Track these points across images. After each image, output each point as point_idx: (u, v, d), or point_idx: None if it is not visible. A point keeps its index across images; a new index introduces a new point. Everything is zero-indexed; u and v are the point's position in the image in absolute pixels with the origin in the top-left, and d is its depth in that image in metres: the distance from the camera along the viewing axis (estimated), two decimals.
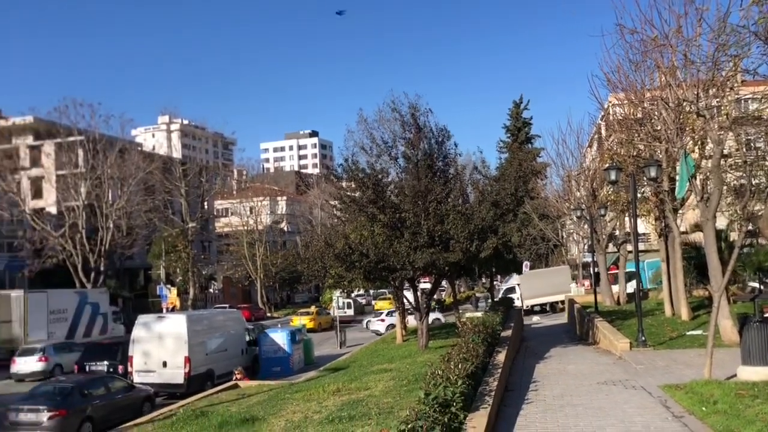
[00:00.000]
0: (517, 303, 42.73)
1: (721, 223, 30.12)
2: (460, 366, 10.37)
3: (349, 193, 24.41)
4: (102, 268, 47.83)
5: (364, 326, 45.34)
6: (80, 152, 49.96)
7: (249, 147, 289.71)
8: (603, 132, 35.85)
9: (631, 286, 42.06)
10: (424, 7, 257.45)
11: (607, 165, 23.21)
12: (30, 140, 63.38)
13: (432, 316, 34.73)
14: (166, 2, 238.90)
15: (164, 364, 22.79)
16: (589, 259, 44.83)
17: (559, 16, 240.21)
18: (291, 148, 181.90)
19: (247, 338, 27.88)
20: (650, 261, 44.36)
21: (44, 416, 16.56)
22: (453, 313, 38.83)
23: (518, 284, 46.83)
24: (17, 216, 48.25)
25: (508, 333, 20.01)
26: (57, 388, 17.89)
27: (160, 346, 23.03)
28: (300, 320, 45.23)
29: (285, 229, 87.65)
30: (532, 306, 45.64)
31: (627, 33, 19.54)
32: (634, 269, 49.40)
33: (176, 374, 22.59)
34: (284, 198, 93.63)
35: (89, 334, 36.61)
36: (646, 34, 19.21)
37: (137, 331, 23.73)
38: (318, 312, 50.43)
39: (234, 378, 22.52)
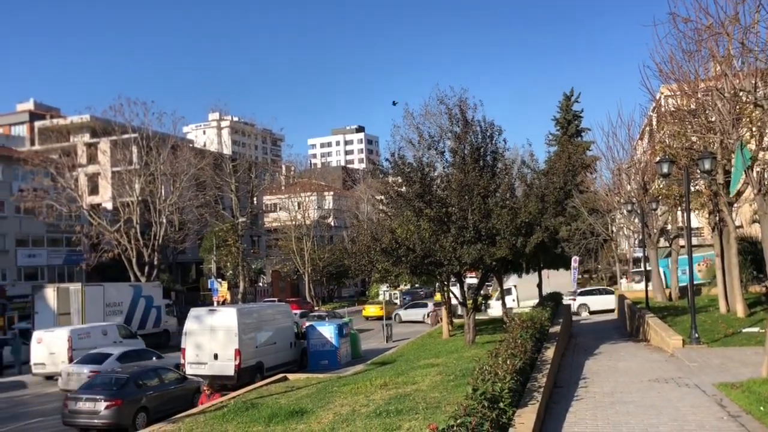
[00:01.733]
0: (513, 305, 43.39)
1: None
2: (508, 362, 10.31)
3: (395, 188, 24.45)
4: (155, 262, 48.97)
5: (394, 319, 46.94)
6: (134, 149, 51.24)
7: (297, 143, 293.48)
8: (654, 124, 34.98)
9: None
10: (472, 1, 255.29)
11: (659, 158, 22.63)
12: (87, 138, 65.58)
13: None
14: (218, 4, 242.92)
15: (215, 357, 23.26)
16: (640, 254, 43.92)
17: (610, 6, 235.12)
18: (338, 143, 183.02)
19: (295, 331, 28.24)
20: (662, 259, 43.82)
21: (102, 405, 17.11)
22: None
23: (515, 285, 46.09)
24: (75, 211, 49.82)
25: (556, 329, 19.78)
26: (114, 378, 18.43)
27: (212, 339, 23.50)
28: (371, 309, 51.93)
29: (332, 223, 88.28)
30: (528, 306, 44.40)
31: (680, 22, 19.10)
32: (661, 266, 48.95)
33: (227, 366, 23.03)
34: (331, 193, 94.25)
35: (144, 326, 37.60)
36: (701, 22, 18.71)
37: (189, 324, 24.25)
38: (387, 302, 52.49)
39: (202, 393, 19.03)
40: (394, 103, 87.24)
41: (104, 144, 57.16)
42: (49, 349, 27.16)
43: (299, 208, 73.02)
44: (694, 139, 23.55)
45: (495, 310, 40.85)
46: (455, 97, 23.73)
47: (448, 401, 13.17)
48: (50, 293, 34.71)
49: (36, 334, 28.36)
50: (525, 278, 38.30)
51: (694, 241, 35.35)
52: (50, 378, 26.79)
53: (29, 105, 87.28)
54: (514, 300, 45.33)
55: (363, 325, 46.37)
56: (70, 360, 25.39)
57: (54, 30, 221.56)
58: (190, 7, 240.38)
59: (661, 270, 47.98)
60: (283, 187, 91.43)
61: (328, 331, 28.19)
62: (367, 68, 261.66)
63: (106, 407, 17.07)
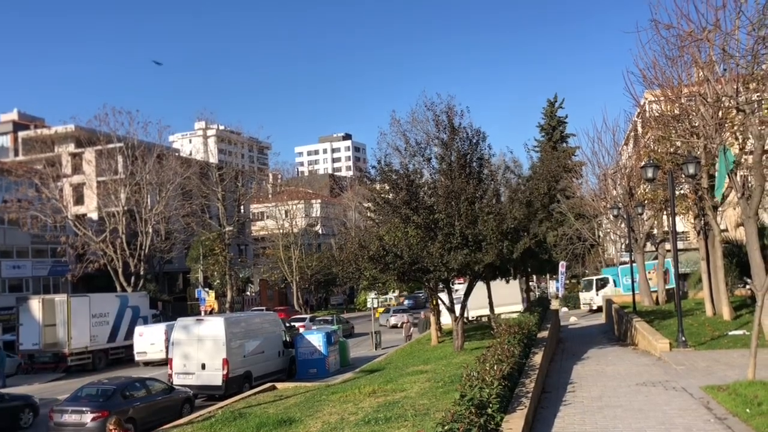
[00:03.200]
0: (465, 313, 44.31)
1: (765, 219, 29.38)
2: (495, 367, 10.32)
3: (382, 195, 24.45)
4: (142, 272, 48.68)
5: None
6: (120, 159, 50.99)
7: (284, 151, 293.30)
8: (639, 129, 35.26)
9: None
10: (455, 8, 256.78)
11: (644, 162, 22.81)
12: (71, 148, 65.07)
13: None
14: (199, 11, 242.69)
15: (203, 367, 23.09)
16: (627, 259, 44.15)
17: (593, 12, 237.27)
18: (325, 151, 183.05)
19: (284, 339, 28.11)
20: (623, 268, 44.45)
21: (88, 417, 16.93)
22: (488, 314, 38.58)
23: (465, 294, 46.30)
24: (60, 222, 49.43)
25: (544, 334, 19.83)
26: (100, 390, 18.25)
27: (199, 349, 23.33)
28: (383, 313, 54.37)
29: (319, 231, 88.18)
30: (478, 317, 43.32)
31: (662, 28, 19.26)
32: (605, 275, 49.35)
33: (215, 376, 22.87)
34: (318, 201, 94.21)
35: (130, 336, 37.27)
36: (683, 29, 18.89)
37: (176, 334, 24.08)
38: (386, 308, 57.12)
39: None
40: (157, 63, 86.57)
41: (89, 154, 56.80)
42: (149, 340, 34.00)
43: (287, 216, 72.94)
44: (678, 143, 23.74)
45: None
46: (442, 104, 23.80)
47: (436, 408, 13.16)
48: (35, 305, 34.38)
49: (138, 329, 35.05)
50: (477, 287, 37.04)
51: (680, 245, 35.62)
52: (148, 364, 33.81)
53: (13, 115, 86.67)
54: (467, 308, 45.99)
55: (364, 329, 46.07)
56: (167, 350, 28.23)
57: (37, 39, 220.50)
58: (174, 15, 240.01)
59: (611, 277, 48.63)
60: (270, 196, 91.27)
61: (316, 339, 28.09)
62: (354, 75, 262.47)
63: (93, 419, 16.88)
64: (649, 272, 47.39)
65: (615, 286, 47.98)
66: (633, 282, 35.49)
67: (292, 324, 44.14)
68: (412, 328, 39.56)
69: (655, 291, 43.16)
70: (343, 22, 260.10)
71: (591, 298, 49.72)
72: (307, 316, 53.30)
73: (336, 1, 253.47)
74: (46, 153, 61.26)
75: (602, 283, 50.01)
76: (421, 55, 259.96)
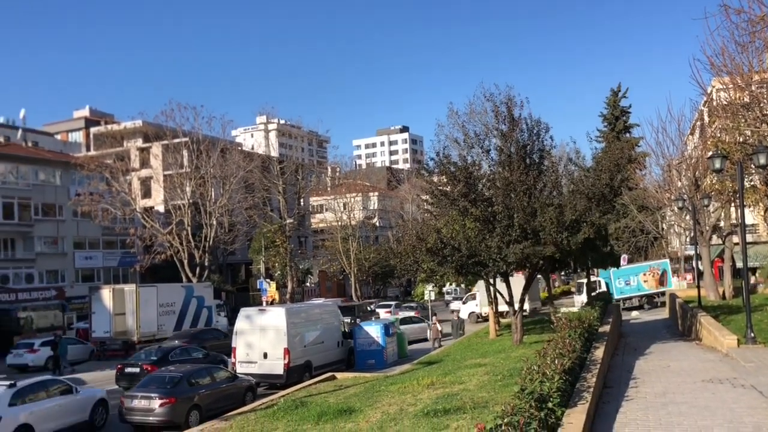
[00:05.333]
0: (477, 310, 46.02)
1: None
2: (556, 361, 10.26)
3: (440, 187, 24.43)
4: (206, 263, 49.92)
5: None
6: (185, 153, 52.37)
7: (342, 144, 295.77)
8: (706, 118, 34.11)
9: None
10: None
11: (711, 153, 22.09)
12: (140, 143, 67.40)
13: None
14: (260, 8, 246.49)
15: (265, 356, 23.62)
16: (692, 252, 42.89)
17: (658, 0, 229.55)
18: (382, 144, 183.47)
19: (343, 330, 28.48)
20: (617, 270, 42.78)
21: (156, 403, 17.53)
22: (548, 307, 38.26)
23: (478, 291, 45.77)
24: (129, 215, 51.23)
25: (606, 328, 19.51)
26: (168, 377, 18.87)
27: (262, 338, 23.87)
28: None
29: (377, 224, 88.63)
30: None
31: (732, 13, 18.60)
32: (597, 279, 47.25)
33: (276, 365, 23.36)
34: (376, 194, 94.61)
35: (195, 325, 38.39)
36: (754, 13, 18.21)
37: (240, 324, 24.69)
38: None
39: None
40: None
41: (156, 148, 58.63)
42: None
43: (345, 208, 73.57)
44: (747, 132, 22.90)
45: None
46: (501, 95, 23.57)
47: (495, 401, 13.16)
48: (106, 294, 35.81)
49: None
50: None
51: (749, 237, 34.34)
52: None
53: (85, 112, 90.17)
54: (477, 305, 46.18)
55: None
56: None
57: (108, 37, 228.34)
58: (236, 12, 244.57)
59: (603, 281, 46.89)
60: (329, 188, 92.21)
61: (374, 330, 28.35)
62: (411, 69, 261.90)
63: (161, 405, 17.48)
64: (644, 274, 46.37)
65: (608, 290, 46.33)
66: (698, 276, 34.48)
67: (378, 309, 47.88)
68: (441, 333, 34.15)
69: (648, 292, 42.16)
70: (400, 15, 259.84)
71: (582, 301, 48.08)
72: (393, 303, 55.17)
73: None
74: (116, 148, 63.61)
75: (593, 287, 47.99)
76: (478, 46, 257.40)
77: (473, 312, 47.39)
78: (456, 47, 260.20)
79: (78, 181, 52.83)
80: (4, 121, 77.50)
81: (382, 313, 51.88)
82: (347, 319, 40.42)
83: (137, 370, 24.03)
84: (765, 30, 18.29)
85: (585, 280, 48.80)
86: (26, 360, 32.45)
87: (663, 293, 47.44)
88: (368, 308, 47.48)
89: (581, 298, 45.57)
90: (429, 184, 25.47)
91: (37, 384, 17.70)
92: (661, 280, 46.92)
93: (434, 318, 34.83)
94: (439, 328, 33.82)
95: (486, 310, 44.14)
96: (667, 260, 50.01)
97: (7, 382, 17.17)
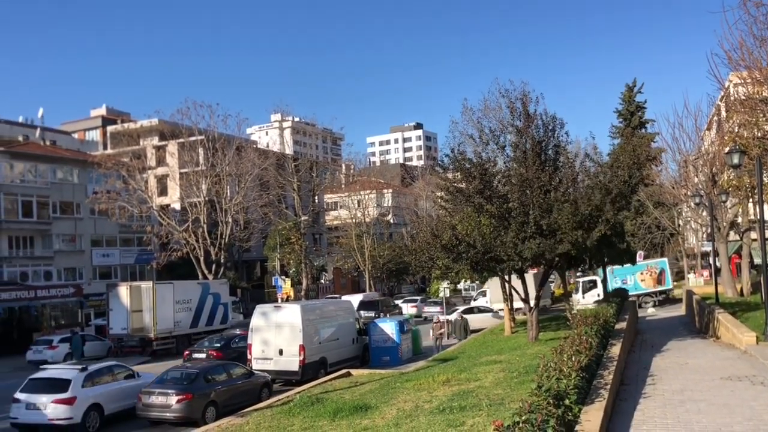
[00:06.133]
0: (487, 305, 45.82)
1: None
2: (573, 358, 10.22)
3: (455, 184, 24.38)
4: (222, 261, 50.14)
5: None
6: (201, 151, 52.60)
7: (356, 141, 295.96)
8: (723, 113, 33.75)
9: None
10: None
11: (729, 148, 21.86)
12: (156, 141, 67.83)
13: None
14: (276, 7, 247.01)
15: (280, 352, 23.72)
16: (709, 248, 42.52)
17: None
18: (396, 141, 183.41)
19: (357, 327, 28.53)
20: (619, 268, 42.38)
21: (173, 399, 17.68)
22: (563, 304, 38.07)
23: (488, 288, 45.68)
24: (146, 212, 51.59)
25: (622, 325, 19.40)
26: (184, 373, 19.03)
27: (277, 335, 23.98)
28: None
29: (391, 221, 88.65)
30: (500, 310, 43.07)
31: (752, 6, 18.40)
32: (593, 278, 46.57)
33: (292, 362, 23.46)
34: (390, 191, 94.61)
35: (211, 322, 38.62)
36: None
37: (256, 320, 24.81)
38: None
39: None
40: None
41: (172, 146, 58.96)
42: None
43: (359, 205, 73.66)
44: (766, 127, 22.63)
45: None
46: (516, 91, 23.49)
47: (511, 398, 13.14)
48: (123, 291, 36.08)
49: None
50: (497, 281, 35.59)
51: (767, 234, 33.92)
52: None
53: (102, 110, 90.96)
54: (487, 302, 46.53)
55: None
56: None
57: (124, 35, 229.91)
58: (250, 6, 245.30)
59: (599, 280, 46.50)
60: (343, 186, 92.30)
61: (389, 327, 28.37)
62: (424, 65, 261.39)
63: (178, 401, 17.63)
64: (641, 273, 45.99)
65: (605, 288, 46.00)
66: (715, 273, 34.18)
67: (403, 304, 48.99)
68: (442, 330, 31.99)
69: (645, 291, 41.65)
70: (413, 10, 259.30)
71: (577, 300, 47.64)
72: (419, 297, 56.00)
73: None
74: (133, 146, 64.15)
75: (589, 286, 47.76)
76: (494, 41, 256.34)
77: None
78: (470, 44, 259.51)
79: (95, 179, 53.26)
80: (22, 120, 78.34)
81: (408, 307, 52.65)
82: (371, 314, 41.08)
83: (203, 355, 26.40)
84: None
85: (584, 279, 48.61)
86: (45, 356, 32.80)
87: (663, 292, 47.30)
88: (392, 303, 48.12)
89: (578, 298, 45.55)
90: (444, 181, 25.43)
91: (104, 368, 19.61)
92: (659, 279, 46.89)
93: (437, 317, 33.89)
94: (442, 328, 31.95)
95: (497, 306, 44.43)
96: (666, 259, 49.85)
97: (80, 366, 19.02)
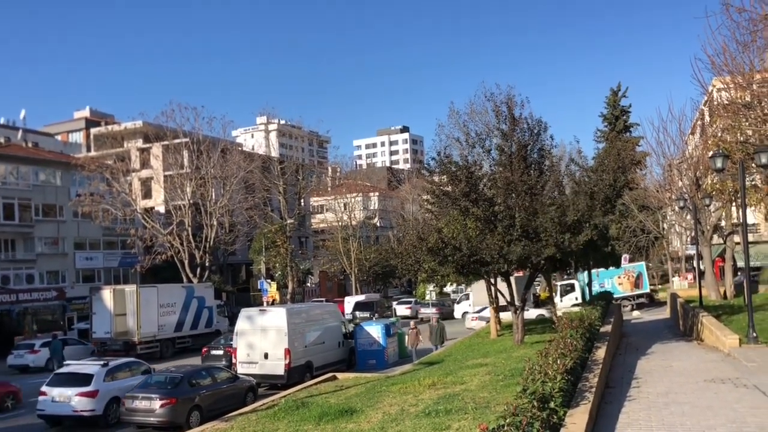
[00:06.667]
0: (469, 309, 46.46)
1: None
2: (558, 361, 10.22)
3: (441, 187, 24.38)
4: (207, 264, 49.92)
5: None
6: (185, 153, 52.35)
7: (343, 144, 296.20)
8: (707, 118, 34.08)
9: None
10: None
11: (713, 152, 22.06)
12: (140, 143, 67.34)
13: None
14: (259, 5, 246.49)
15: (266, 356, 23.60)
16: (693, 252, 42.87)
17: None
18: (383, 144, 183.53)
19: (343, 331, 28.44)
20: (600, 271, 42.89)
21: (157, 404, 17.56)
22: (549, 307, 38.20)
23: (471, 292, 46.12)
24: (129, 215, 51.22)
25: (607, 328, 19.47)
26: (168, 377, 18.90)
27: (262, 339, 23.86)
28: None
29: (378, 224, 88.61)
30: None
31: (734, 12, 18.61)
32: (571, 282, 47.08)
33: (277, 366, 23.36)
34: (376, 194, 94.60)
35: (196, 326, 38.39)
36: (756, 12, 18.21)
37: (241, 324, 24.67)
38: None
39: None
40: None
41: (157, 149, 58.59)
42: None
43: (345, 209, 73.56)
44: (749, 132, 22.87)
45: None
46: (502, 95, 23.54)
47: (497, 401, 13.12)
48: (107, 295, 35.78)
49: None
50: (482, 284, 35.28)
51: (750, 237, 34.27)
52: None
53: (85, 112, 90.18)
54: (470, 305, 46.98)
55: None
56: None
57: (108, 38, 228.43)
58: (236, 8, 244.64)
59: (577, 283, 46.99)
60: (329, 189, 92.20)
61: (375, 330, 28.33)
62: (411, 68, 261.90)
63: (161, 405, 17.51)
64: (619, 277, 46.48)
65: (582, 293, 46.34)
66: (699, 276, 34.45)
67: (398, 306, 49.96)
68: (419, 336, 29.26)
69: (623, 295, 41.97)
70: (399, 14, 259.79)
71: (555, 303, 47.85)
72: (413, 298, 56.82)
73: None
74: (116, 149, 63.62)
75: (568, 289, 47.75)
76: (480, 45, 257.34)
77: (466, 312, 48.02)
78: (456, 48, 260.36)
79: (78, 181, 52.80)
80: (4, 122, 77.54)
81: (402, 309, 53.06)
82: (366, 314, 41.33)
83: (221, 352, 28.23)
84: (767, 29, 18.25)
85: (561, 283, 48.79)
86: (27, 361, 32.44)
87: (641, 295, 47.78)
88: (387, 304, 48.51)
89: (557, 301, 45.64)
90: (430, 184, 25.42)
91: (123, 364, 21.09)
92: (637, 283, 47.41)
93: (412, 322, 31.84)
94: (419, 334, 29.40)
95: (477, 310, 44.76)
96: (643, 263, 50.32)
97: (101, 362, 20.55)
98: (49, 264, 53.19)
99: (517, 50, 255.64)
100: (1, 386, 23.04)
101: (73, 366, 20.89)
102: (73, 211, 52.80)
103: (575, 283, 47.71)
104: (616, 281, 47.07)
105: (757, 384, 12.96)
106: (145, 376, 20.11)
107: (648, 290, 47.45)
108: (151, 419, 17.62)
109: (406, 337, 29.91)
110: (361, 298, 51.95)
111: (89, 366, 20.23)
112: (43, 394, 19.13)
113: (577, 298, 43.86)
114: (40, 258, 52.52)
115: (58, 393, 18.93)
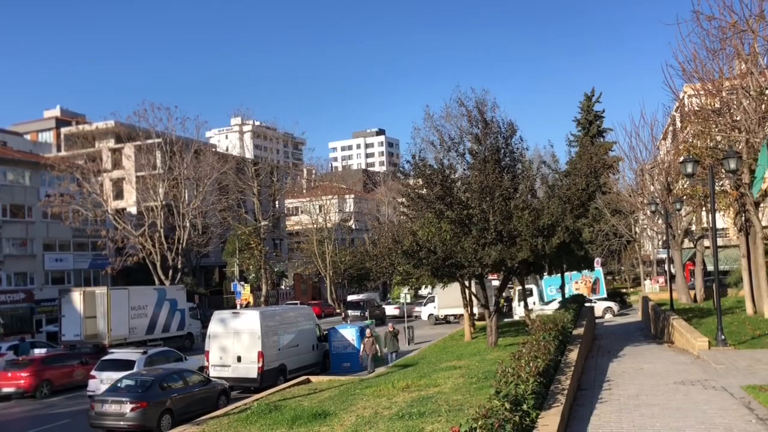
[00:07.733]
0: (434, 312, 47.65)
1: None
2: (531, 364, 10.26)
3: (416, 190, 24.44)
4: (179, 266, 49.40)
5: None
6: (158, 154, 51.75)
7: (318, 146, 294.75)
8: (678, 123, 34.62)
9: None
10: (488, 1, 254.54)
11: (683, 157, 22.40)
12: (112, 143, 66.38)
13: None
14: (236, 10, 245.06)
15: (239, 359, 23.42)
16: (665, 255, 43.47)
17: (631, 3, 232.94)
18: (358, 146, 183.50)
19: (318, 334, 28.30)
20: (549, 278, 43.58)
21: (127, 408, 17.30)
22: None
23: (437, 294, 46.68)
24: (100, 216, 50.45)
25: (580, 331, 19.63)
26: (139, 381, 18.62)
27: (236, 342, 23.66)
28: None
29: (353, 226, 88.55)
30: (446, 316, 46.84)
31: (704, 20, 18.98)
32: (530, 287, 47.88)
33: (250, 369, 23.19)
34: (352, 196, 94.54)
35: (168, 329, 37.94)
36: (725, 20, 18.57)
37: (213, 327, 24.44)
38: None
39: None
40: None
41: (129, 149, 57.85)
42: None
43: (320, 211, 73.37)
44: (718, 138, 23.27)
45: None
46: (475, 98, 23.68)
47: (470, 404, 13.15)
48: (77, 297, 35.18)
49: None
50: (450, 287, 34.16)
51: (720, 242, 34.90)
52: None
53: (56, 112, 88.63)
54: (435, 308, 47.86)
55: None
56: None
57: (77, 36, 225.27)
58: (210, 8, 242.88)
59: (534, 288, 47.71)
60: (304, 191, 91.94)
61: (350, 333, 28.24)
62: (387, 71, 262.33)
63: (132, 409, 17.26)
64: (576, 282, 47.30)
65: (540, 297, 46.86)
66: (670, 279, 34.92)
67: (386, 306, 50.26)
68: (374, 344, 26.65)
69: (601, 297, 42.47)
70: (376, 16, 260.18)
71: (513, 308, 48.33)
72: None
73: None
74: (88, 149, 62.56)
75: (526, 294, 48.49)
76: (455, 49, 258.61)
77: (432, 314, 48.71)
78: (432, 50, 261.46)
79: (48, 181, 51.85)
80: None
81: (390, 309, 53.19)
82: (356, 313, 41.34)
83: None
84: (735, 37, 18.60)
85: (519, 288, 49.06)
86: None
87: (600, 299, 48.45)
88: (376, 303, 48.67)
89: (514, 306, 46.24)
90: (405, 187, 25.49)
91: (160, 352, 24.32)
92: (594, 288, 48.17)
93: (368, 330, 27.80)
94: (375, 343, 26.78)
95: (444, 312, 45.34)
96: (600, 269, 50.98)
97: (141, 350, 24.09)
98: (17, 265, 52.09)
99: (492, 55, 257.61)
100: None
101: (116, 353, 24.06)
102: (42, 212, 51.81)
103: (533, 287, 48.26)
104: (573, 286, 47.57)
105: (725, 386, 13.17)
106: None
107: (605, 295, 48.10)
108: (122, 423, 17.33)
109: (362, 346, 26.62)
110: (361, 297, 52.30)
111: (131, 353, 23.31)
112: (93, 377, 22.23)
113: (534, 303, 44.39)
114: (8, 259, 51.41)
115: (105, 376, 21.71)
